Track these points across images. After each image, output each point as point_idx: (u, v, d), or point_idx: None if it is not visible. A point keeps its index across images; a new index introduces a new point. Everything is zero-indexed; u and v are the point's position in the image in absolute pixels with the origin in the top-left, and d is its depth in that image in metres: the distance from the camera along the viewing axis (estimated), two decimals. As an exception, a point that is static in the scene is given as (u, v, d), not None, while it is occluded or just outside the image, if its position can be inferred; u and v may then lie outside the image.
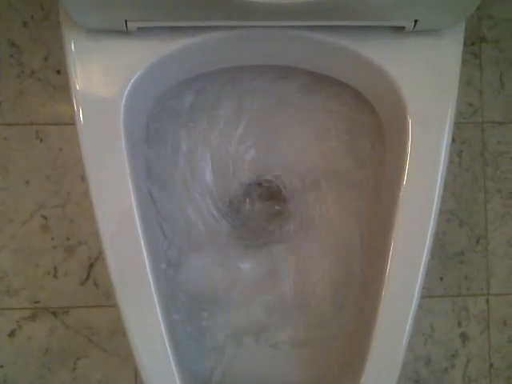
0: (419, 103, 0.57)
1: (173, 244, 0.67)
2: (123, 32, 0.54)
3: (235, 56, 0.62)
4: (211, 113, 0.68)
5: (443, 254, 0.88)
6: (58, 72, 0.84)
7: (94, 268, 0.83)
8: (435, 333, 0.88)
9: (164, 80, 0.62)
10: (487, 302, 0.89)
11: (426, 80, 0.57)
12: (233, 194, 0.70)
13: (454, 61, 0.58)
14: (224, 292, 0.68)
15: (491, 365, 0.89)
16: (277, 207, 0.71)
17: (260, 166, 0.70)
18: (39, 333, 0.83)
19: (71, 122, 0.55)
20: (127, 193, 0.55)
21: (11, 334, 0.83)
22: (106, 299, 0.83)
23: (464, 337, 0.88)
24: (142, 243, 0.55)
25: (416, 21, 0.54)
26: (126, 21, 0.53)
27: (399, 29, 0.56)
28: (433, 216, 0.57)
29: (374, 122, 0.67)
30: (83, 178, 0.82)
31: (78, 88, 0.55)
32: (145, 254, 0.55)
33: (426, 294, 0.87)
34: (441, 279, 0.88)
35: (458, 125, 0.88)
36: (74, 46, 0.55)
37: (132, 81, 0.55)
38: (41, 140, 0.83)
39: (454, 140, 0.88)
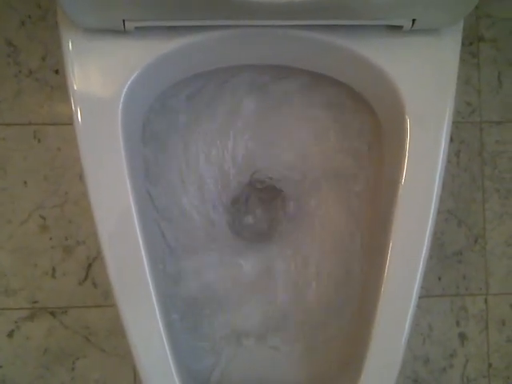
0: (417, 102, 0.57)
1: (171, 244, 0.67)
2: (121, 32, 0.54)
3: (233, 55, 0.62)
4: (209, 112, 0.68)
5: (441, 254, 0.88)
6: (56, 72, 0.83)
7: (92, 268, 0.83)
8: (434, 332, 0.88)
9: (162, 79, 0.62)
10: (486, 301, 0.89)
11: (424, 79, 0.57)
12: (232, 193, 0.70)
13: (452, 60, 0.58)
14: (223, 291, 0.68)
15: (490, 365, 0.89)
16: (276, 207, 0.71)
17: (259, 165, 0.70)
18: (37, 333, 0.83)
19: (69, 121, 0.55)
20: (125, 193, 0.55)
21: (10, 334, 0.83)
22: (105, 299, 0.83)
23: (463, 336, 0.89)
24: (141, 243, 0.55)
25: (414, 20, 0.54)
26: (123, 20, 0.53)
27: (397, 28, 0.56)
28: (431, 215, 0.57)
29: (373, 122, 0.67)
30: (81, 178, 0.81)
31: (75, 88, 0.55)
32: (143, 253, 0.55)
33: (425, 294, 0.87)
34: (439, 279, 0.88)
35: (456, 124, 0.88)
36: (71, 45, 0.55)
37: (130, 80, 0.55)
38: (39, 140, 0.83)
39: (452, 139, 0.88)
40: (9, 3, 0.83)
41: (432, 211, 0.57)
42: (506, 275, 0.90)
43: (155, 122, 0.67)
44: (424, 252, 0.56)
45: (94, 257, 0.83)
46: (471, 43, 0.90)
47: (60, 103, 0.84)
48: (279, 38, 0.57)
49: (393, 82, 0.57)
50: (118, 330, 0.83)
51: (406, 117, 0.57)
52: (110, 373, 0.83)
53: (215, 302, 0.68)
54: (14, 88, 0.83)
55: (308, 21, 0.55)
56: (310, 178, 0.70)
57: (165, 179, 0.67)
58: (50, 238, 0.83)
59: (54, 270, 0.83)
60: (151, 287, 0.55)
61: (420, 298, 0.57)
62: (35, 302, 0.83)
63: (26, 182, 0.83)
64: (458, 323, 0.88)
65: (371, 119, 0.67)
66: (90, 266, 0.83)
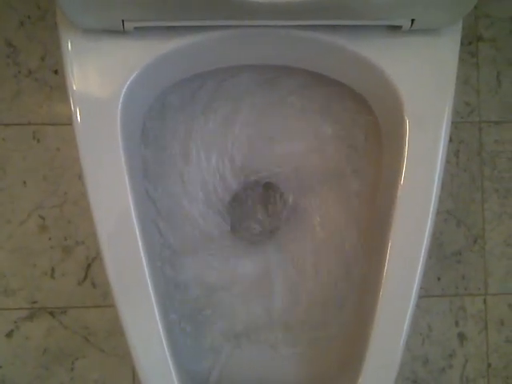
0: (416, 102, 0.57)
1: (170, 244, 0.67)
2: (120, 32, 0.54)
3: (233, 56, 0.62)
4: (209, 112, 0.68)
5: (441, 254, 0.88)
6: (55, 72, 0.84)
7: (91, 268, 0.83)
8: (433, 333, 0.88)
9: (162, 80, 0.62)
10: (485, 301, 0.89)
11: (423, 79, 0.57)
12: (231, 194, 0.70)
13: (451, 60, 0.58)
14: (222, 292, 0.68)
15: (489, 365, 0.89)
16: (275, 207, 0.71)
17: (259, 165, 0.70)
18: (37, 333, 0.83)
19: (68, 122, 0.55)
20: (125, 193, 0.55)
21: (9, 335, 0.83)
22: (104, 299, 0.83)
23: (462, 337, 0.89)
24: (140, 243, 0.55)
25: (413, 20, 0.54)
26: (123, 21, 0.53)
27: (396, 28, 0.56)
28: (430, 216, 0.57)
29: (372, 122, 0.67)
30: (80, 178, 0.81)
31: (74, 88, 0.55)
32: (142, 253, 0.55)
33: (424, 294, 0.87)
34: (438, 279, 0.88)
35: (455, 124, 0.88)
36: (70, 45, 0.55)
37: (129, 80, 0.55)
38: (38, 140, 0.83)
39: (451, 139, 0.88)
40: (8, 3, 0.83)
41: (431, 211, 0.57)
42: (505, 275, 0.90)
43: (155, 122, 0.67)
44: (423, 252, 0.56)
45: (93, 257, 0.83)
46: (470, 43, 0.90)
47: (59, 103, 0.84)
48: (279, 38, 0.57)
49: (392, 82, 0.57)
50: (117, 331, 0.83)
51: (405, 116, 0.57)
52: (109, 373, 0.83)
53: (214, 302, 0.68)
54: (14, 88, 0.83)
55: (307, 21, 0.55)
56: (310, 178, 0.70)
57: (164, 179, 0.67)
58: (50, 238, 0.83)
59: (53, 270, 0.83)
60: (150, 288, 0.55)
61: (419, 298, 0.57)
62: (34, 302, 0.83)
63: (25, 182, 0.83)
64: (457, 323, 0.89)
65: (370, 119, 0.67)
66: (89, 266, 0.83)
